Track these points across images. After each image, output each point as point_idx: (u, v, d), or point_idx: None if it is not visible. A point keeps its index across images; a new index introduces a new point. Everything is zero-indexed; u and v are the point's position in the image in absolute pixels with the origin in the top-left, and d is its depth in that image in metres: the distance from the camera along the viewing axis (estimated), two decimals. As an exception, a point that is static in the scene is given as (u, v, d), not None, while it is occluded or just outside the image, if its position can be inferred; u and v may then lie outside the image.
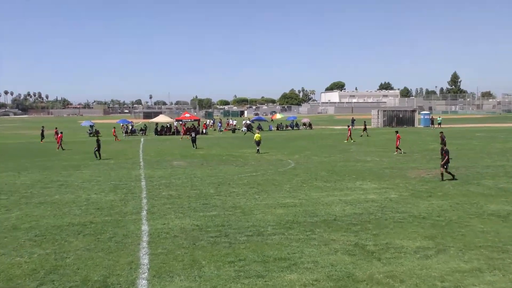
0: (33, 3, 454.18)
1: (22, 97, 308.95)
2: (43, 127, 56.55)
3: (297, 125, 79.01)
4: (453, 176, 22.28)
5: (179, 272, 10.52)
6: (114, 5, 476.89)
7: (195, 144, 42.47)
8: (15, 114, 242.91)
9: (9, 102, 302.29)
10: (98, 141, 34.31)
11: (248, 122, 76.46)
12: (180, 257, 11.44)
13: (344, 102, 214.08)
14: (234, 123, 78.36)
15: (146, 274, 10.38)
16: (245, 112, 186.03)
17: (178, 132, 64.41)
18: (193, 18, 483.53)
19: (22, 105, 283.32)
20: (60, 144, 42.16)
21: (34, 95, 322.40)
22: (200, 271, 10.54)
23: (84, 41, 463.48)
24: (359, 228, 13.93)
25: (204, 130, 65.77)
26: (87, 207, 17.34)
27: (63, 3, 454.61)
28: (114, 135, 55.59)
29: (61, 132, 45.09)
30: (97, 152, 33.64)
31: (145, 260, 11.28)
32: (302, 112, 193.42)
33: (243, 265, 10.91)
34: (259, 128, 73.85)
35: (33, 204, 17.98)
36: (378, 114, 79.89)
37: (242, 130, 70.44)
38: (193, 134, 44.17)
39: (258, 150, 36.30)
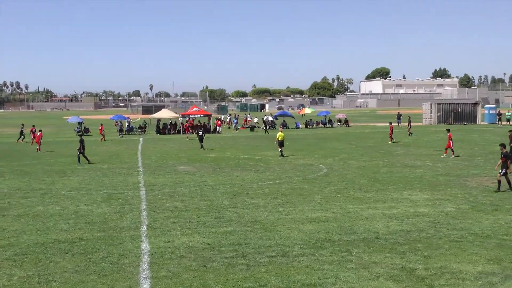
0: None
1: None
2: (22, 124, 57.55)
3: (330, 121, 79.00)
4: (510, 183, 22.02)
5: (187, 299, 10.66)
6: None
7: (203, 144, 43.00)
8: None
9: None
10: (81, 141, 34.70)
11: (270, 118, 76.60)
12: (187, 282, 11.61)
13: (389, 94, 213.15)
14: (255, 120, 78.68)
15: (147, 301, 10.58)
16: (267, 105, 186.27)
17: (184, 130, 64.82)
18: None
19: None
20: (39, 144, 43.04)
21: (11, 85, 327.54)
22: (212, 299, 10.67)
23: (70, 23, 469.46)
24: (406, 249, 13.93)
25: (218, 128, 66.08)
26: (75, 220, 17.64)
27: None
28: (102, 134, 56.13)
29: (40, 130, 45.94)
30: (81, 155, 34.05)
31: (145, 285, 11.47)
32: (337, 106, 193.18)
33: (264, 292, 11.02)
34: (284, 125, 74.05)
35: (11, 216, 18.36)
36: (431, 108, 79.31)
37: (262, 128, 70.65)
38: (200, 132, 44.66)
39: (281, 152, 36.39)
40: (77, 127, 67.99)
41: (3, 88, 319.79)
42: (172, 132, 66.59)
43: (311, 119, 79.27)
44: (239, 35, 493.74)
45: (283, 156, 35.93)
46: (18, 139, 53.68)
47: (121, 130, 63.52)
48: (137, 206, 19.91)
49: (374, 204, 19.91)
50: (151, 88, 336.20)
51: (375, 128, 71.82)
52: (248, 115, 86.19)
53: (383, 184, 24.27)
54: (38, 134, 44.28)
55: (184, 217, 17.99)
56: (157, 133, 65.25)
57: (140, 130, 67.49)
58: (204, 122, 67.76)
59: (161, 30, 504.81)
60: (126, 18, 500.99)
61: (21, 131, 54.88)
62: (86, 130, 66.96)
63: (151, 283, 11.53)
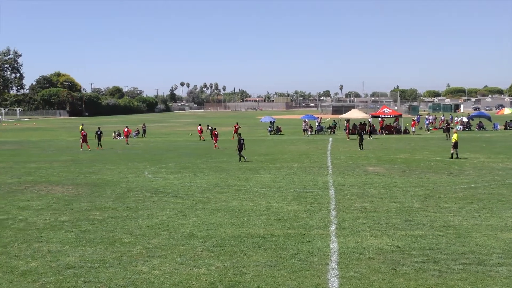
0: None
1: (198, 89, 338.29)
2: (237, 123, 61.41)
3: (533, 122, 73.08)
4: None
5: (376, 302, 10.57)
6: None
7: (362, 145, 43.23)
8: (190, 108, 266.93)
9: (185, 94, 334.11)
10: (240, 140, 35.93)
11: (464, 118, 72.95)
12: (376, 284, 11.49)
13: None
14: (450, 119, 75.46)
15: (335, 300, 10.68)
16: (461, 105, 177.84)
17: (374, 131, 64.19)
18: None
19: (198, 98, 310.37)
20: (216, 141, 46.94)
21: (211, 87, 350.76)
22: (402, 304, 10.46)
23: (266, 27, 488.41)
24: None
25: (413, 129, 64.56)
26: (267, 217, 18.33)
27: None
28: (200, 132, 59.83)
29: (215, 129, 49.80)
30: (240, 154, 35.55)
31: (334, 284, 11.56)
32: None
33: (458, 301, 10.55)
34: (480, 126, 70.12)
35: (209, 210, 19.62)
36: None
37: (457, 129, 67.60)
38: (361, 132, 45.47)
39: (452, 154, 35.27)
40: (269, 127, 70.51)
41: (204, 89, 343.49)
42: (362, 132, 66.22)
43: (511, 120, 74.01)
44: (429, 31, 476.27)
45: (452, 158, 34.82)
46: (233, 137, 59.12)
47: (305, 130, 64.53)
48: (326, 205, 20.13)
49: None
50: (341, 88, 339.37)
51: None
52: (442, 116, 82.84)
53: None
54: (214, 131, 48.13)
55: (373, 218, 17.83)
56: (350, 134, 65.35)
57: (330, 130, 68.15)
58: (391, 123, 66.67)
59: (351, 29, 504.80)
60: (316, 23, 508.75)
61: (236, 129, 59.72)
62: (278, 130, 69.25)
63: (339, 283, 11.60)
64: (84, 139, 47.20)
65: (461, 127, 69.89)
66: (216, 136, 47.20)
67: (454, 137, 35.60)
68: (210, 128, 59.39)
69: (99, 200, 21.77)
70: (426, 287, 11.26)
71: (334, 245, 14.60)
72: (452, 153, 35.35)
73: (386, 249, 14.09)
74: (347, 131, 58.75)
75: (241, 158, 35.45)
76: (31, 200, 21.94)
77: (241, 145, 35.57)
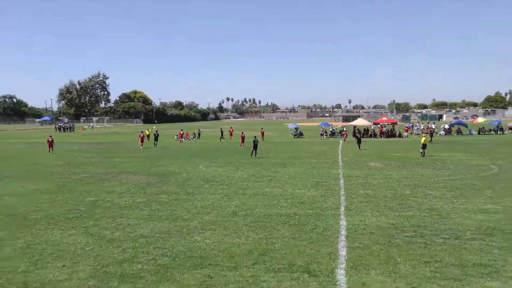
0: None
1: (240, 102, 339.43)
2: (262, 128, 61.58)
3: (501, 129, 71.03)
4: None
5: (375, 266, 10.50)
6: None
7: (360, 146, 42.69)
8: (234, 117, 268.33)
9: (230, 107, 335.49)
10: (254, 141, 36.44)
11: (446, 125, 71.41)
12: (376, 253, 11.40)
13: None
14: (433, 126, 73.91)
15: (344, 265, 10.63)
16: (444, 115, 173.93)
17: (375, 135, 63.44)
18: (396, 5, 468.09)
19: (240, 110, 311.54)
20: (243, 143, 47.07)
21: (249, 101, 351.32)
22: (395, 268, 10.37)
23: (292, 46, 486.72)
24: None
25: (405, 134, 63.58)
26: (292, 200, 18.31)
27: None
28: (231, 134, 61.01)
29: (242, 132, 50.04)
30: (253, 152, 35.84)
31: (343, 252, 11.52)
32: (508, 116, 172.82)
33: (439, 266, 10.40)
34: (458, 131, 68.56)
35: (248, 195, 19.68)
36: None
37: (440, 134, 66.27)
38: (358, 136, 45.01)
39: (422, 153, 34.99)
40: (294, 132, 70.16)
41: (244, 103, 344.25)
42: (366, 136, 65.44)
43: (483, 127, 72.14)
44: (422, 55, 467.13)
45: (423, 156, 34.46)
46: (221, 138, 60.41)
47: (322, 134, 64.07)
48: (337, 192, 20.00)
49: (543, 200, 17.48)
50: (349, 102, 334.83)
51: (545, 135, 62.76)
52: (432, 124, 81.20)
53: (552, 184, 21.19)
54: (242, 134, 48.33)
55: (374, 202, 17.65)
56: (353, 137, 64.65)
57: (341, 134, 67.39)
58: (388, 129, 65.71)
59: (357, 54, 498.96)
60: (341, 44, 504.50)
61: (222, 132, 61.41)
62: (301, 134, 68.86)
63: (347, 251, 11.56)
64: (141, 140, 48.83)
65: (443, 132, 68.39)
66: (243, 138, 47.56)
67: (422, 140, 35.68)
68: (231, 129, 61.26)
69: (165, 187, 22.06)
70: (414, 256, 11.13)
71: (343, 222, 14.53)
72: (422, 152, 35.25)
73: (384, 226, 13.95)
74: (344, 136, 57.89)
75: (252, 154, 35.90)
76: (115, 186, 22.38)
77: (255, 145, 36.00)
